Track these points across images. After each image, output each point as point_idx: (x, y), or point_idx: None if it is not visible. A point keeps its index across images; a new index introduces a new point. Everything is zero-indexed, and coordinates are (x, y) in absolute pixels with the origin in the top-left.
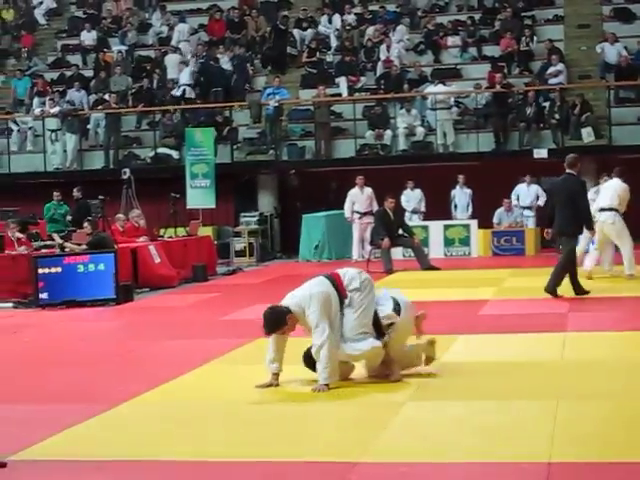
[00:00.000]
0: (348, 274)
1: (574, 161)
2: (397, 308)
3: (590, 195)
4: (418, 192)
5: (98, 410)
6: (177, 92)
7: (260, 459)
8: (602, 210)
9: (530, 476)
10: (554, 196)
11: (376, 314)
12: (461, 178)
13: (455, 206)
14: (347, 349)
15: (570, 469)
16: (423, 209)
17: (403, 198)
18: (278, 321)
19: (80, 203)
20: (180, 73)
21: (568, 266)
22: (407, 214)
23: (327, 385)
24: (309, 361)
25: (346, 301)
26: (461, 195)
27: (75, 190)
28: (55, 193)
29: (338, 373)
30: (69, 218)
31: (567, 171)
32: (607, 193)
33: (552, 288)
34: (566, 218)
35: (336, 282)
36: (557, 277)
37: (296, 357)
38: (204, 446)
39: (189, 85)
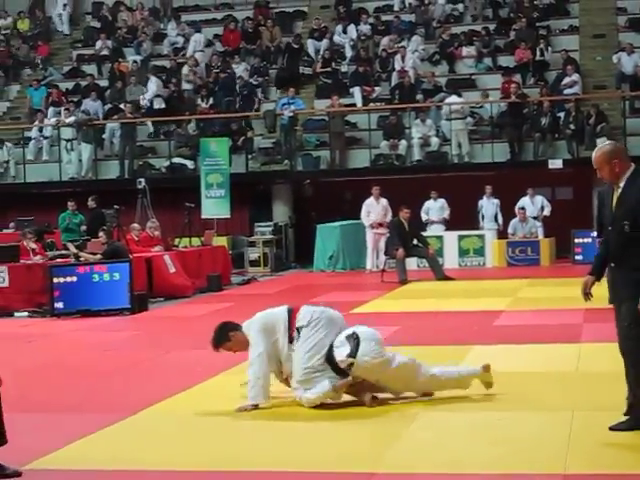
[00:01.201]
0: (304, 311)
1: None
2: (354, 351)
3: None
4: (441, 202)
5: (113, 419)
6: (145, 103)
7: (276, 469)
8: None
9: None
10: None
11: (332, 356)
12: (488, 189)
13: (482, 216)
14: (302, 397)
15: None
16: (447, 216)
17: (424, 208)
18: (221, 336)
19: (95, 212)
20: (148, 83)
21: None
22: (431, 225)
23: (255, 405)
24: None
25: (295, 336)
26: (488, 205)
27: (90, 199)
28: (69, 203)
29: (267, 394)
30: (84, 228)
31: None
32: None
33: None
34: None
35: (291, 316)
36: None
37: None
38: (219, 456)
39: (158, 96)
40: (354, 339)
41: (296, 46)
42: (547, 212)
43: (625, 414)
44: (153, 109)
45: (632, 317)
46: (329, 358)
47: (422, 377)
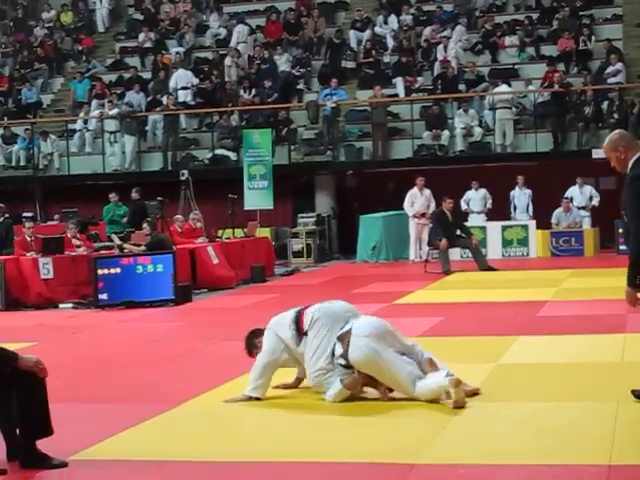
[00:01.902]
0: (308, 313)
1: None
2: (346, 349)
3: None
4: (483, 192)
5: (159, 410)
6: (180, 98)
7: (319, 460)
8: None
9: (590, 478)
10: None
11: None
12: (520, 179)
13: (514, 207)
14: (325, 398)
15: (630, 472)
16: (489, 206)
17: (465, 198)
18: (249, 345)
19: (137, 204)
20: (172, 77)
21: None
22: (471, 216)
23: (249, 397)
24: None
25: (303, 340)
26: (520, 196)
27: (134, 191)
28: (110, 195)
29: (265, 392)
30: (125, 219)
31: None
32: None
33: None
34: None
35: (299, 319)
36: None
37: None
38: (265, 447)
39: (186, 88)
40: (348, 334)
41: (337, 41)
42: (596, 202)
43: None
44: (186, 103)
45: None
46: (333, 354)
47: (410, 384)
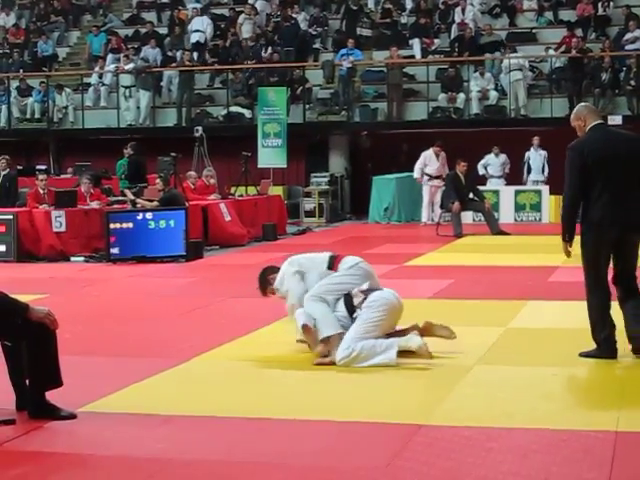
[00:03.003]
0: (349, 260)
1: None
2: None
3: None
4: (504, 157)
5: (167, 365)
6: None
7: (325, 418)
8: None
9: (597, 443)
10: None
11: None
12: (536, 140)
13: (529, 168)
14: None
15: (637, 439)
16: (507, 171)
17: (483, 162)
18: (263, 282)
19: (132, 159)
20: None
21: None
22: (491, 180)
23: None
24: None
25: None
26: (536, 157)
27: (128, 147)
28: (125, 149)
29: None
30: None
31: None
32: None
33: None
34: None
35: (333, 262)
36: None
37: None
38: (269, 404)
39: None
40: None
41: (355, 7)
42: None
43: None
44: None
45: None
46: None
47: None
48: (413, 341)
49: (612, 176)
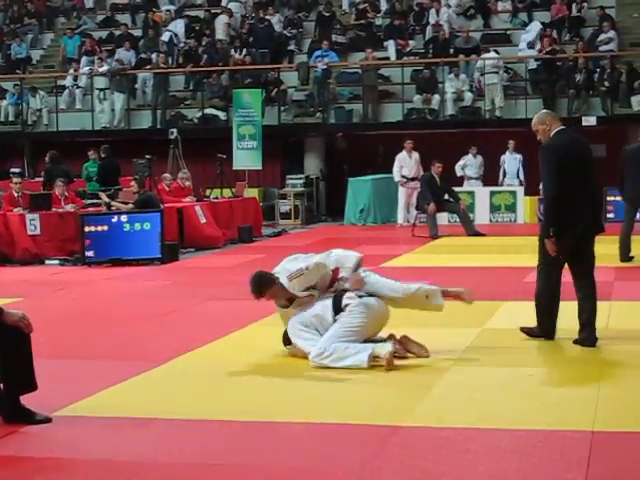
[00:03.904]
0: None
1: None
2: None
3: None
4: (481, 159)
5: (144, 368)
6: (165, 38)
7: (303, 420)
8: None
9: (574, 443)
10: (629, 164)
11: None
12: (511, 144)
13: (504, 172)
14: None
15: (613, 438)
16: (481, 172)
17: (461, 163)
18: (265, 281)
19: (105, 162)
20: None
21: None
22: (468, 181)
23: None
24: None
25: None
26: (511, 161)
27: (101, 150)
28: (89, 152)
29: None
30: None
31: None
32: None
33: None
34: None
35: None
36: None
37: None
38: (248, 406)
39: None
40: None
41: (327, 14)
42: None
43: None
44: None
45: None
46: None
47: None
48: (384, 348)
49: (582, 177)
